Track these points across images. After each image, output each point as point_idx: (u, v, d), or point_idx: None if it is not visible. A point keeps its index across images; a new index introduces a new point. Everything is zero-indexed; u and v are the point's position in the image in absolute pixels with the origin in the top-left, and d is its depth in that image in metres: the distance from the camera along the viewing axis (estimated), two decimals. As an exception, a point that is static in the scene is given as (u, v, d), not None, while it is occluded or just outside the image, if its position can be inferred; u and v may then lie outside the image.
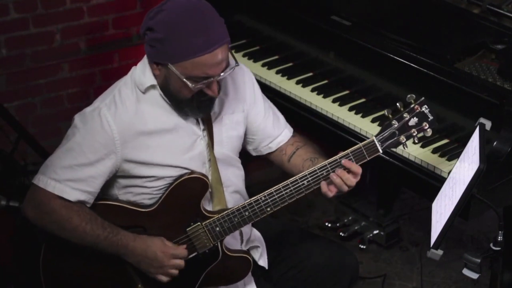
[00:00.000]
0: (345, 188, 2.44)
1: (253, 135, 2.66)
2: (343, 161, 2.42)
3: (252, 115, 2.61)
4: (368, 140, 2.42)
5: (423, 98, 2.41)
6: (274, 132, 2.67)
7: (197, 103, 2.39)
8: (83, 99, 4.15)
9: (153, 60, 2.36)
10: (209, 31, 2.28)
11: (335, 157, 2.43)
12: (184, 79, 2.31)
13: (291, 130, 2.72)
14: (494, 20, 3.05)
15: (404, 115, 2.40)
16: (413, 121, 2.40)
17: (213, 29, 2.29)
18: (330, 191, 2.44)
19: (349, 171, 2.42)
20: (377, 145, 2.41)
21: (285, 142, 2.68)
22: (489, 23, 3.04)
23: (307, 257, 2.72)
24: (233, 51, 2.44)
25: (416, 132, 2.41)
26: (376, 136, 2.42)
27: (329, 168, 2.42)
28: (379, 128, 2.92)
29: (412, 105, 2.40)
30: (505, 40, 2.95)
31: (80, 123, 2.41)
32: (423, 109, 2.40)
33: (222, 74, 2.34)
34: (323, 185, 2.44)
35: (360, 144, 2.42)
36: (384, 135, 2.41)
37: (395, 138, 2.41)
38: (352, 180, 2.43)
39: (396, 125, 2.40)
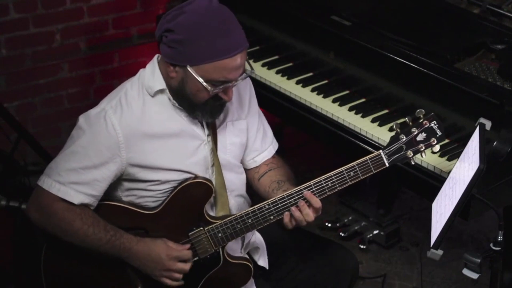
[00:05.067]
0: (304, 223, 2.42)
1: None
2: (305, 193, 2.40)
3: (248, 125, 2.61)
4: (374, 153, 2.40)
5: (432, 113, 2.39)
6: (261, 147, 2.66)
7: (210, 107, 2.39)
8: (83, 99, 4.15)
9: (171, 62, 2.33)
10: (231, 35, 2.29)
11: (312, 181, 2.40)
12: (203, 82, 2.30)
13: (276, 147, 2.71)
14: (494, 20, 3.05)
15: (412, 130, 2.37)
16: (421, 136, 2.38)
17: (234, 33, 2.30)
18: (290, 223, 2.44)
19: (310, 204, 2.40)
20: (384, 159, 2.39)
21: (267, 158, 2.67)
22: (489, 23, 3.04)
23: (307, 257, 2.72)
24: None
25: (423, 148, 2.38)
26: (383, 149, 2.40)
27: (335, 180, 2.40)
28: (379, 128, 2.95)
29: (420, 120, 2.38)
30: (505, 40, 2.95)
31: (85, 125, 2.40)
32: (432, 124, 2.37)
33: (239, 79, 2.35)
34: (286, 216, 2.42)
35: (367, 157, 2.39)
36: (391, 149, 2.39)
37: (402, 153, 2.38)
38: (311, 216, 2.41)
39: (403, 140, 2.38)
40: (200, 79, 2.30)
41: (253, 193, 2.70)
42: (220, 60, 2.27)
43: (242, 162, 2.66)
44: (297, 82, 3.26)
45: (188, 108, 2.41)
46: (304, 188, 2.41)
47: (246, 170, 2.68)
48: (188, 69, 2.30)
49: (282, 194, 2.42)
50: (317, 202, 2.40)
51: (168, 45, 2.31)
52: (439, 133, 2.38)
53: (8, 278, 3.17)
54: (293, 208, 2.40)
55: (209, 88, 2.31)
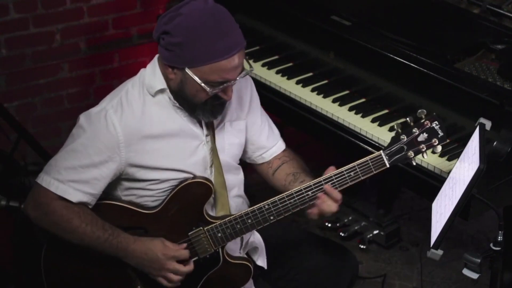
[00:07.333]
0: (328, 213, 2.45)
1: (248, 144, 2.65)
2: (325, 186, 2.41)
3: (249, 124, 2.61)
4: (375, 154, 2.40)
5: (434, 114, 2.38)
6: (268, 144, 2.67)
7: (210, 107, 2.40)
8: (83, 99, 4.15)
9: (169, 64, 2.34)
10: (228, 36, 2.29)
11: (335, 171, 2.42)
12: (201, 84, 2.31)
13: (284, 143, 2.72)
14: (494, 20, 3.05)
15: (413, 130, 2.36)
16: (423, 136, 2.37)
17: (231, 34, 2.30)
18: (313, 213, 2.45)
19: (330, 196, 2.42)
20: (385, 159, 2.39)
21: (277, 154, 2.68)
22: (489, 23, 3.04)
23: (307, 257, 2.72)
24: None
25: (425, 148, 2.37)
26: (384, 150, 2.39)
27: (335, 180, 2.41)
28: (379, 128, 2.95)
29: (422, 120, 2.37)
30: (505, 40, 2.95)
31: (86, 124, 2.40)
32: (433, 125, 2.36)
33: (238, 78, 2.35)
34: (311, 209, 2.44)
35: (367, 158, 2.39)
36: (391, 150, 2.38)
37: (403, 153, 2.38)
38: (332, 206, 2.43)
39: (404, 140, 2.37)
40: (199, 81, 2.31)
41: (253, 194, 2.70)
42: (218, 61, 2.28)
43: (250, 157, 2.68)
44: (297, 82, 3.26)
45: (189, 108, 2.42)
46: (304, 188, 2.41)
47: (257, 165, 2.69)
48: (186, 71, 2.31)
49: (282, 195, 2.42)
50: (337, 194, 2.43)
51: (165, 47, 2.32)
52: (441, 134, 2.37)
53: (8, 278, 3.17)
54: (318, 200, 2.42)
55: (207, 89, 2.32)
